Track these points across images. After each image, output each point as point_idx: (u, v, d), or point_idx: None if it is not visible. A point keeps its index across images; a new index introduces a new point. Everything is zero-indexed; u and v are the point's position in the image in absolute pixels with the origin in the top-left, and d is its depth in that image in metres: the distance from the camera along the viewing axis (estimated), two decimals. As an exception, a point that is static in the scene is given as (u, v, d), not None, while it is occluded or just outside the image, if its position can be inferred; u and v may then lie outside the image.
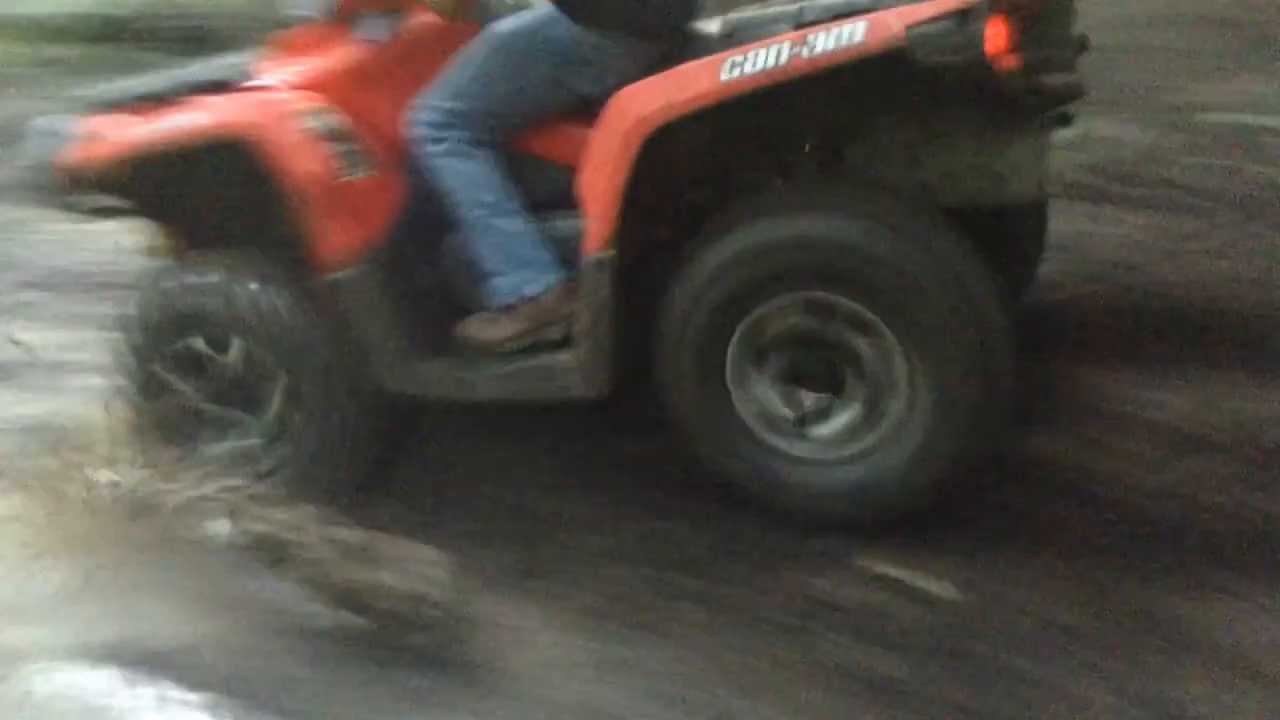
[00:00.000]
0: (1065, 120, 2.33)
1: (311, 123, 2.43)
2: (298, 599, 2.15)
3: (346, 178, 2.44)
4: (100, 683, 1.96)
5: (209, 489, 2.39)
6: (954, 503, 2.25)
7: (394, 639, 2.08)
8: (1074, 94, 2.28)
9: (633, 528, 2.44)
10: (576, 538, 2.44)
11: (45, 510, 2.44)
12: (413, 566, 2.18)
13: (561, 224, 2.39)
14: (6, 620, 2.14)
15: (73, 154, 2.58)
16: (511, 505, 2.59)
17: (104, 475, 2.50)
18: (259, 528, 2.29)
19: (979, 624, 2.06)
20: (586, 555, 2.38)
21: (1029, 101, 2.15)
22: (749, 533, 2.35)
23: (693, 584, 2.25)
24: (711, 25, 2.43)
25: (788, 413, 2.29)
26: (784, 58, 2.07)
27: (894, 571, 2.20)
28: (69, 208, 2.75)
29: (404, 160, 2.49)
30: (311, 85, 2.48)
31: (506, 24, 2.45)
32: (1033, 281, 2.77)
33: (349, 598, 2.13)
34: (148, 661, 2.00)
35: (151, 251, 2.83)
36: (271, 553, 2.23)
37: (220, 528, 2.31)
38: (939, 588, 2.15)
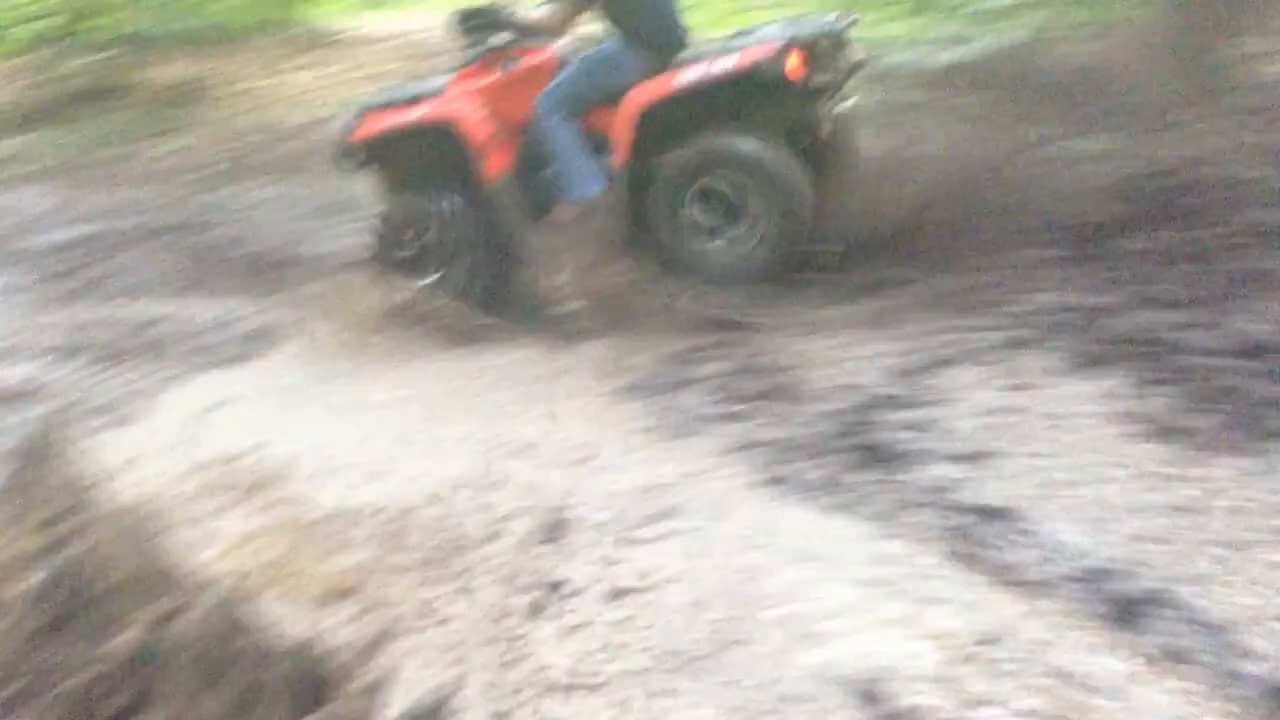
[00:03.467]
0: (837, 100, 4.82)
1: (482, 112, 4.76)
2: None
3: (497, 140, 4.77)
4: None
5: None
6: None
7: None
8: (840, 88, 4.80)
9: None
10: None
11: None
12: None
13: (602, 158, 4.65)
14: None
15: (353, 133, 4.97)
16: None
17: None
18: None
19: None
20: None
21: (812, 91, 4.53)
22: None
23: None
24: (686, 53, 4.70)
25: (704, 228, 4.59)
26: (700, 75, 4.47)
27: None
28: (345, 166, 5.12)
29: (516, 131, 4.77)
30: (478, 93, 4.81)
31: (586, 53, 4.73)
32: (850, 168, 4.92)
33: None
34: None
35: (377, 190, 5.18)
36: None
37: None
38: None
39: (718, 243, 4.56)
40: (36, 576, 1.60)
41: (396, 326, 4.62)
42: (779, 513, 3.08)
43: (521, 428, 3.71)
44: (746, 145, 4.43)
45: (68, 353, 4.40)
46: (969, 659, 2.30)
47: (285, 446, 3.61)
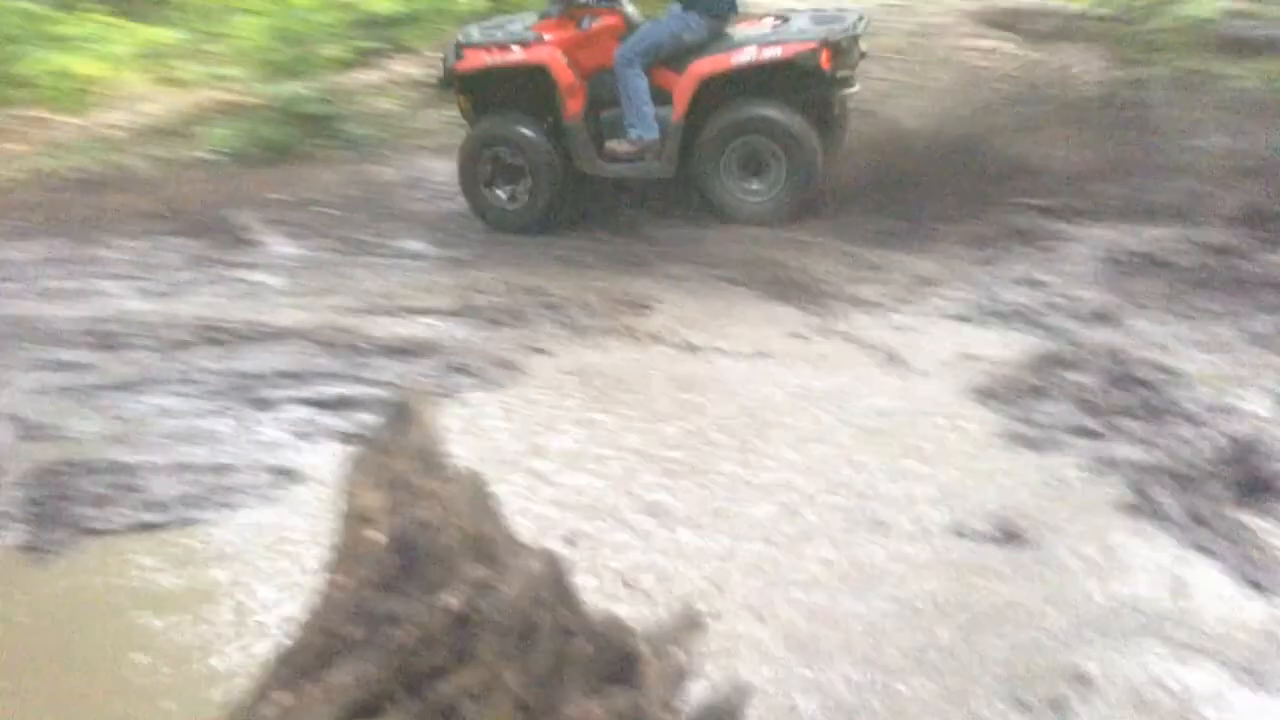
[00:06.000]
0: (849, 86, 5.88)
1: (567, 60, 5.71)
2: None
3: (576, 85, 5.74)
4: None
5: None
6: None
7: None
8: (851, 77, 5.83)
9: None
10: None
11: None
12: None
13: (660, 110, 5.66)
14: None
15: (458, 63, 5.87)
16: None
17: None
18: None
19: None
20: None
21: (834, 79, 5.59)
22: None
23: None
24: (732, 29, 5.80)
25: (742, 179, 5.69)
26: (751, 59, 5.54)
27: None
28: (445, 88, 6.15)
29: (585, 78, 5.77)
30: (561, 44, 5.75)
31: (659, 18, 5.73)
32: (843, 138, 6.03)
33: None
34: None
35: (463, 115, 6.17)
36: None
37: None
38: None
39: (749, 187, 5.66)
40: (379, 530, 1.76)
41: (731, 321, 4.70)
42: (1136, 545, 2.83)
43: (861, 427, 3.65)
44: (778, 115, 5.53)
45: (453, 315, 4.81)
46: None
47: (624, 435, 3.77)
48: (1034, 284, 4.70)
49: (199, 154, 7.53)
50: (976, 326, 4.40)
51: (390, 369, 4.32)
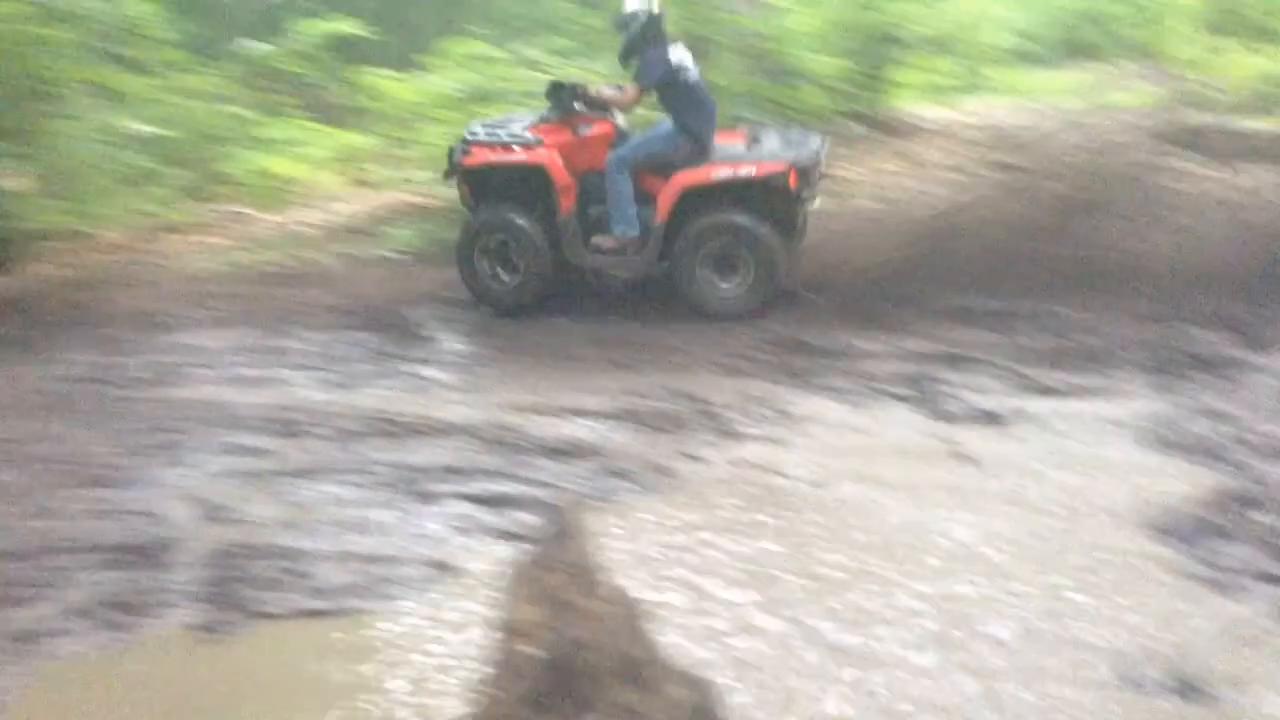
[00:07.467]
0: (812, 202, 6.48)
1: (562, 162, 6.32)
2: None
3: (569, 183, 6.33)
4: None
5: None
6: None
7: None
8: (814, 194, 6.45)
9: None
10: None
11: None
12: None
13: (643, 210, 6.29)
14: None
15: (465, 158, 6.45)
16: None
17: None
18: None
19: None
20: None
21: (799, 196, 6.24)
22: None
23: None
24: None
25: (715, 277, 6.29)
26: (729, 176, 6.17)
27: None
28: (449, 178, 6.61)
29: (579, 178, 6.38)
30: (558, 148, 6.35)
31: (649, 130, 6.48)
32: (802, 241, 6.59)
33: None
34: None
35: (462, 202, 6.73)
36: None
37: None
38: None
39: (721, 284, 6.29)
40: (533, 645, 1.79)
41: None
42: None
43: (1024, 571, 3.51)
44: (748, 224, 6.18)
45: (612, 417, 4.89)
46: None
47: (776, 554, 3.73)
48: (1215, 414, 4.48)
49: (383, 253, 7.92)
50: (1155, 456, 4.20)
51: (549, 469, 4.40)
